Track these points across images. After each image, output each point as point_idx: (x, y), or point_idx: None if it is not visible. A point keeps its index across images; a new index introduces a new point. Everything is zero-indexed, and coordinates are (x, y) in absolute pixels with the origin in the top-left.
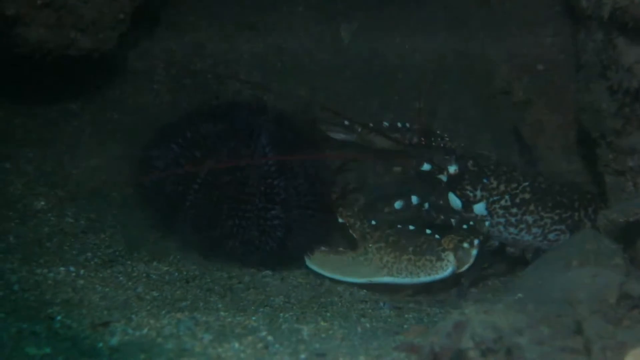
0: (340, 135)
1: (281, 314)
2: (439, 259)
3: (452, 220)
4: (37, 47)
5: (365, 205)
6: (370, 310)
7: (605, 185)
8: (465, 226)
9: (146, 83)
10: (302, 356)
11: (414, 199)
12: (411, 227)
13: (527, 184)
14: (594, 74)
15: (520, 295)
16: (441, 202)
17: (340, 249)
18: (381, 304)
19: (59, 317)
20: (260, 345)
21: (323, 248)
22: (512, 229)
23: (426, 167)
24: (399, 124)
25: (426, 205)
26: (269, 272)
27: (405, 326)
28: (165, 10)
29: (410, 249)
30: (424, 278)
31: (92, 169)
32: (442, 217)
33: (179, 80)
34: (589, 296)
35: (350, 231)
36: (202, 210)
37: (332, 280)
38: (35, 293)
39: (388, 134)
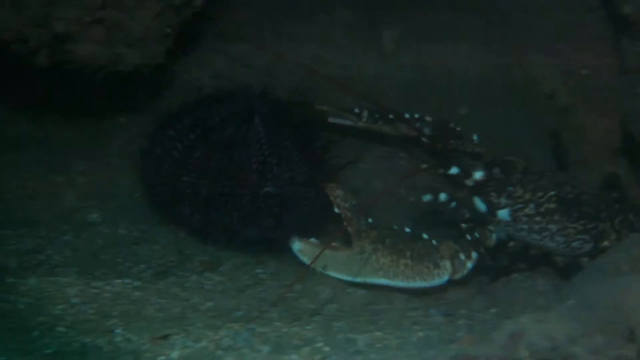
0: (344, 121)
1: (334, 323)
2: (436, 266)
3: (463, 226)
4: (87, 63)
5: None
6: (421, 318)
7: None
8: (469, 237)
9: (193, 94)
10: None
11: (443, 196)
12: (407, 230)
13: (553, 193)
14: (638, 80)
15: (572, 301)
16: (468, 202)
17: (334, 244)
18: (432, 311)
19: (118, 330)
20: (318, 356)
21: (313, 240)
22: (535, 236)
23: (454, 170)
24: (407, 115)
25: (454, 203)
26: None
27: (459, 334)
28: (209, 22)
29: (408, 253)
30: (419, 283)
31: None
32: (468, 215)
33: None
34: None
35: (345, 224)
36: (197, 190)
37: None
38: (94, 306)
39: (401, 121)
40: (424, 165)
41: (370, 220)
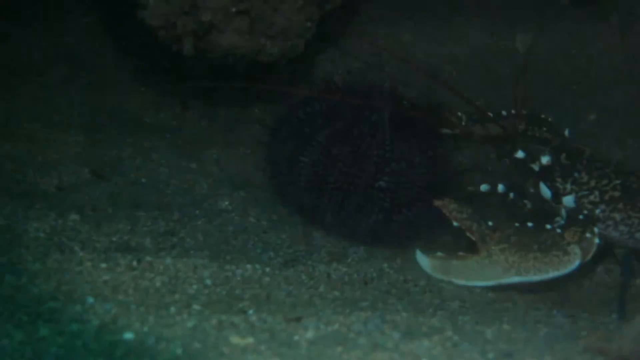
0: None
1: (460, 317)
2: (566, 253)
3: (563, 210)
4: (229, 52)
5: (479, 205)
6: (544, 317)
7: None
8: (581, 216)
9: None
10: (490, 355)
11: (501, 187)
12: (530, 225)
13: (618, 182)
14: None
15: None
16: (531, 190)
17: (461, 253)
18: (554, 311)
19: (251, 311)
20: (448, 343)
21: (440, 254)
22: (599, 224)
23: (520, 154)
24: (504, 112)
25: (511, 194)
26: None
27: (584, 333)
28: (350, 18)
29: (535, 246)
30: (552, 274)
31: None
32: (529, 205)
33: None
34: None
35: (468, 234)
36: (313, 169)
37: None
38: (226, 288)
39: (494, 120)
40: (493, 155)
41: (491, 222)
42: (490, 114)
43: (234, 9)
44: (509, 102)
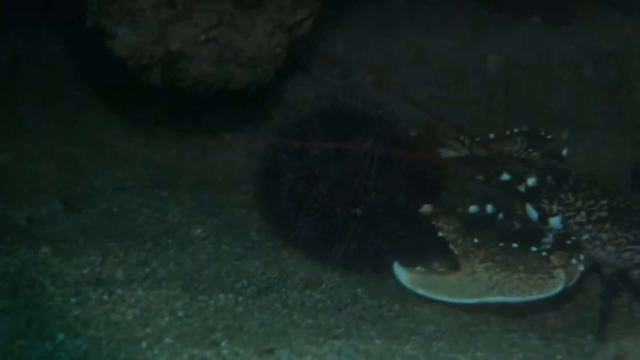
0: (449, 152)
1: (434, 343)
2: (551, 276)
3: (550, 234)
4: (199, 81)
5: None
6: (519, 340)
7: None
8: (568, 241)
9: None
10: None
11: (489, 208)
12: (515, 245)
13: (605, 202)
14: None
15: None
16: (519, 211)
17: (442, 269)
18: (529, 333)
19: (223, 343)
20: None
21: (420, 268)
22: (586, 245)
23: (505, 177)
24: (507, 132)
25: (500, 215)
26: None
27: (559, 357)
28: (320, 43)
29: (521, 267)
30: (536, 296)
31: (246, 199)
32: (517, 226)
33: None
34: None
35: (451, 247)
36: (295, 186)
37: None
38: (198, 319)
39: (487, 145)
40: (480, 177)
41: (476, 240)
42: (492, 135)
43: (203, 37)
44: (481, 121)
